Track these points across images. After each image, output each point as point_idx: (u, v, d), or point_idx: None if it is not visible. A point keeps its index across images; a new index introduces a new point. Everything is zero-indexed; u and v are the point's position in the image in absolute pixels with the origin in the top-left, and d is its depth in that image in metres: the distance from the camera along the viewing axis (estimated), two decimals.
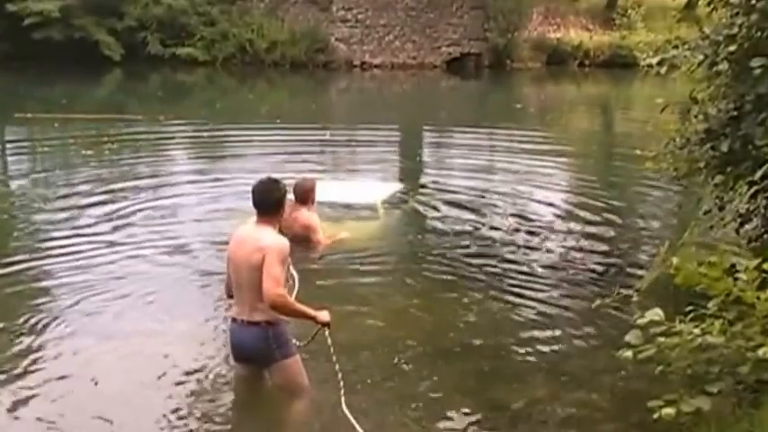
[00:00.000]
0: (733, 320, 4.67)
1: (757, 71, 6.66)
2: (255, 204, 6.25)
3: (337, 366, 6.22)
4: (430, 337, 7.90)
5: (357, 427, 5.82)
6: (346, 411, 5.95)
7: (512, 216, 12.45)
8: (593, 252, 10.74)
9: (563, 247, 11.00)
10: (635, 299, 8.44)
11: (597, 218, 12.51)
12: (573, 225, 12.13)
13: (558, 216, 12.73)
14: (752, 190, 7.49)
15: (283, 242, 6.11)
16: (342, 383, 6.14)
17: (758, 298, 4.58)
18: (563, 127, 25.38)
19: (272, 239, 6.07)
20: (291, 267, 6.49)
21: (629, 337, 4.69)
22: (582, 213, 12.78)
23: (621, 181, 15.79)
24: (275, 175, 6.68)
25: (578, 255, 10.64)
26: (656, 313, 4.64)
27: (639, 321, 4.66)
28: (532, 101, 31.83)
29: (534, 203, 13.57)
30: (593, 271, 10.00)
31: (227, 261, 6.31)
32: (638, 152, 8.69)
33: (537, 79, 37.19)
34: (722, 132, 7.45)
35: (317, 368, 6.56)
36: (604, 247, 11.00)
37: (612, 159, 19.00)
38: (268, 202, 6.22)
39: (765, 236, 7.96)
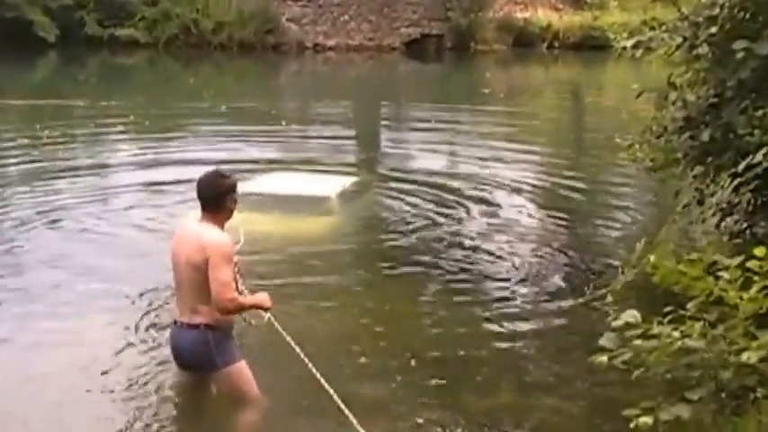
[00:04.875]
0: (714, 322, 4.66)
1: (740, 54, 6.68)
2: (199, 197, 6.20)
3: (298, 349, 6.26)
4: (389, 343, 7.82)
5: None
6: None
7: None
8: (564, 249, 10.73)
9: (532, 243, 11.01)
10: (609, 299, 8.44)
11: (568, 213, 12.56)
12: (543, 220, 12.17)
13: (527, 211, 12.75)
14: (734, 182, 7.51)
15: (225, 241, 6.04)
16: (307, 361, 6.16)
17: (741, 298, 4.57)
18: (533, 113, 25.41)
19: (213, 239, 5.99)
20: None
21: (603, 341, 4.67)
22: (552, 208, 12.83)
23: (595, 172, 15.85)
24: (222, 167, 6.71)
25: (548, 251, 10.63)
26: (632, 315, 4.63)
27: (614, 324, 4.64)
28: (500, 85, 31.90)
29: (501, 197, 13.56)
30: (564, 269, 10.00)
31: (171, 258, 6.25)
32: (614, 140, 8.71)
33: (502, 62, 37.34)
34: (702, 120, 7.47)
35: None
36: (576, 244, 11.03)
37: (585, 148, 19.10)
38: (209, 195, 6.15)
39: (748, 231, 8.01)
